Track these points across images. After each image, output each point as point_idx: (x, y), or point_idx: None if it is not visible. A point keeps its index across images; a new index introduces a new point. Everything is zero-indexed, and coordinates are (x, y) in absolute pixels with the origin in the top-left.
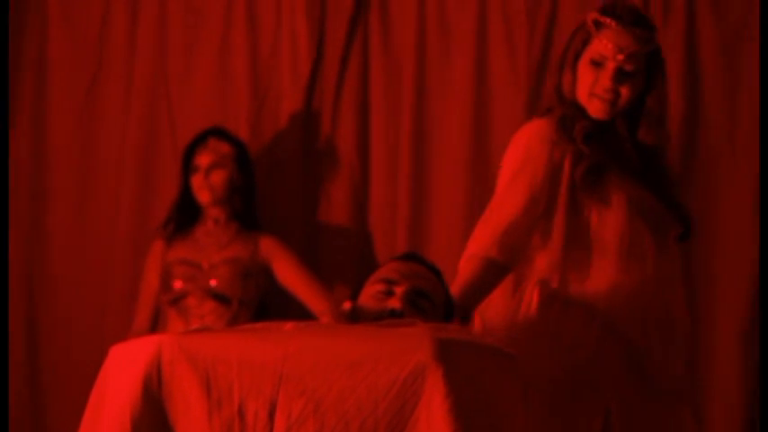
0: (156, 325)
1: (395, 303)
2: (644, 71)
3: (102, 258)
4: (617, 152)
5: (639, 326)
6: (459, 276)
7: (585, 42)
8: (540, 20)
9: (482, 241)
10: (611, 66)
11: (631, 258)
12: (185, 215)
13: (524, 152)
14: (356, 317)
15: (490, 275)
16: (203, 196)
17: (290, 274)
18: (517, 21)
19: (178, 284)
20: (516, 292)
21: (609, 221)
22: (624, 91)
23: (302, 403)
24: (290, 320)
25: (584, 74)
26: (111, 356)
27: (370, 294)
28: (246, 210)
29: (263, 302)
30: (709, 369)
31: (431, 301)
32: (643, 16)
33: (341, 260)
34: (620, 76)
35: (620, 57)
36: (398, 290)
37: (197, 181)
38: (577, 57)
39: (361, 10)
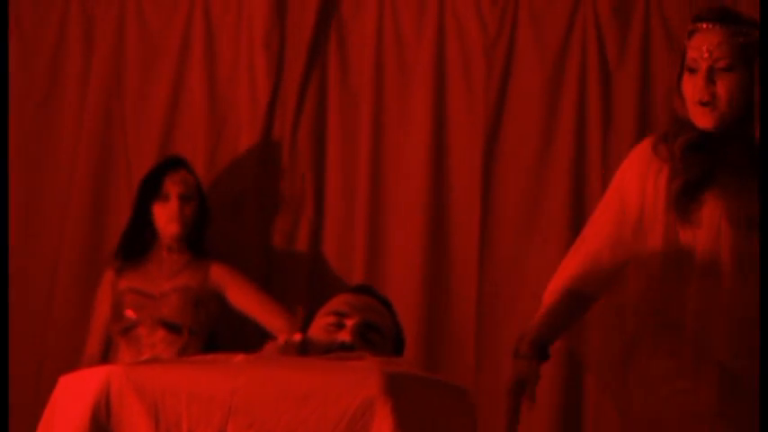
0: (107, 354)
1: (345, 336)
2: (744, 66)
3: (45, 283)
4: (724, 163)
5: (736, 349)
6: (543, 308)
7: (683, 57)
8: (497, 59)
9: (568, 273)
10: (702, 66)
11: (736, 277)
12: (138, 243)
13: (618, 178)
14: (306, 349)
15: (575, 307)
16: (173, 228)
17: (243, 297)
18: (475, 59)
19: (129, 314)
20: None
21: (700, 240)
22: (721, 90)
23: None
24: (240, 352)
25: (686, 86)
26: (60, 386)
27: (320, 326)
28: (199, 239)
29: (213, 331)
30: None
31: (381, 334)
32: (732, 12)
33: (295, 290)
34: (714, 74)
35: (707, 54)
36: (349, 323)
37: (167, 211)
38: (680, 76)
39: (319, 43)
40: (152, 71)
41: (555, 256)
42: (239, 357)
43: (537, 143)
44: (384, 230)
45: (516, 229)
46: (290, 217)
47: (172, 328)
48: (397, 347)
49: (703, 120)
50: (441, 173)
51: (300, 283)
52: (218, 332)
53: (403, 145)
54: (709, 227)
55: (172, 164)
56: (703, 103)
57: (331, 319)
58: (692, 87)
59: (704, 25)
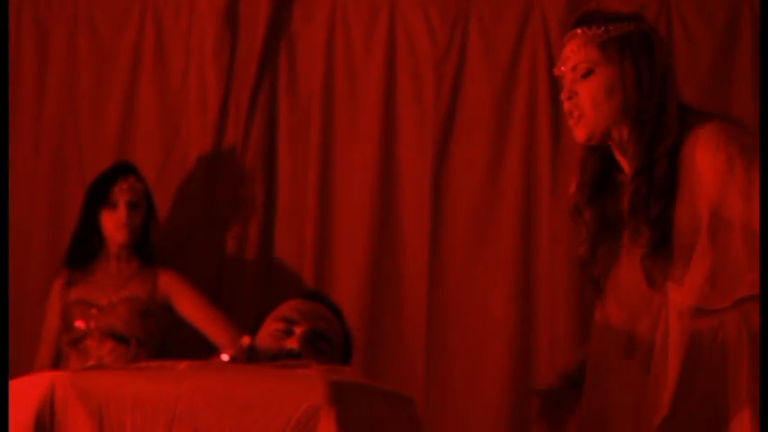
0: (57, 364)
1: (293, 344)
2: (610, 64)
3: (13, 294)
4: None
5: None
6: None
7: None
8: (447, 72)
9: None
10: (567, 78)
11: None
12: (86, 250)
13: None
14: (253, 354)
15: None
16: (120, 235)
17: (190, 308)
18: (425, 71)
19: (78, 324)
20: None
21: None
22: (583, 97)
23: None
24: (185, 359)
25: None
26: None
27: (268, 332)
28: (148, 246)
29: (163, 341)
30: None
31: (330, 342)
32: (589, 14)
33: (245, 296)
34: (575, 84)
35: (558, 69)
36: (298, 330)
37: (115, 218)
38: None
39: (269, 52)
40: (104, 79)
41: (504, 266)
42: (184, 365)
43: (486, 156)
44: (333, 239)
45: (466, 239)
46: (241, 224)
47: (120, 339)
48: (345, 356)
49: (575, 133)
50: (390, 184)
51: (250, 288)
52: (168, 342)
53: (352, 155)
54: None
55: (121, 170)
56: (570, 116)
57: (280, 326)
58: (563, 102)
59: (567, 36)
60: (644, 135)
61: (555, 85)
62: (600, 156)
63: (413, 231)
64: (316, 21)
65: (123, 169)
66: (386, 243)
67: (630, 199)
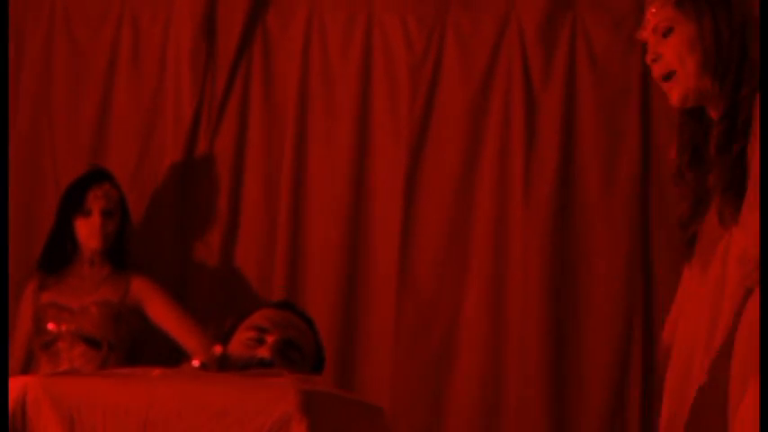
0: (28, 368)
1: (264, 353)
2: (688, 20)
3: None
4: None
5: None
6: None
7: None
8: (423, 79)
9: None
10: (650, 40)
11: None
12: (59, 255)
13: None
14: (225, 363)
15: None
16: (94, 242)
17: (162, 313)
18: (400, 78)
19: (50, 327)
20: None
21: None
22: (670, 55)
23: None
24: (158, 366)
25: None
26: None
27: (240, 341)
28: (121, 252)
29: (134, 345)
30: None
31: (301, 352)
32: None
33: (215, 305)
34: (658, 45)
35: (640, 34)
36: (269, 339)
37: (89, 225)
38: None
39: (245, 58)
40: (80, 84)
41: (477, 273)
42: (157, 371)
43: (460, 163)
44: (305, 246)
45: (438, 248)
46: (212, 231)
47: (91, 342)
48: (316, 365)
49: (671, 97)
50: (363, 190)
51: (220, 297)
52: (139, 347)
53: (326, 162)
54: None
55: (95, 177)
56: (663, 78)
57: (252, 334)
58: (653, 68)
59: (646, 2)
60: (726, 83)
61: (530, 93)
62: (697, 119)
63: (385, 239)
64: (292, 27)
65: (98, 176)
66: (358, 251)
67: (716, 141)
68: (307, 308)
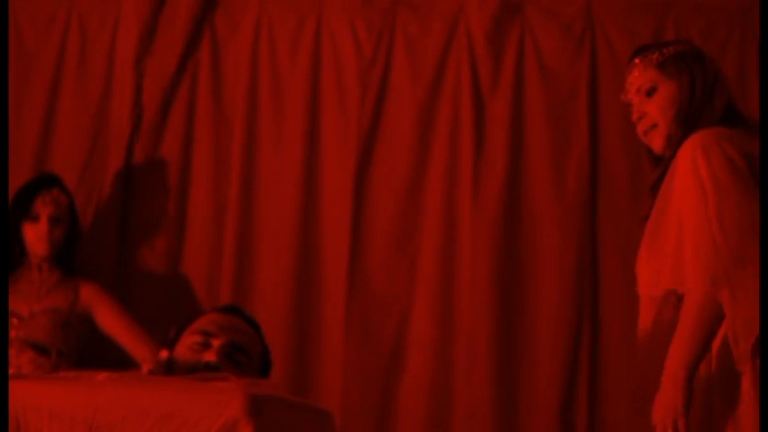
0: None
1: (210, 356)
2: (669, 80)
3: None
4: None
5: None
6: None
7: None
8: (371, 83)
9: None
10: (634, 101)
11: None
12: (8, 261)
13: None
14: (171, 367)
15: None
16: (41, 248)
17: (111, 321)
18: (349, 82)
19: None
20: None
21: None
22: (654, 111)
23: None
24: (104, 370)
25: (637, 129)
26: None
27: (186, 345)
28: (70, 258)
29: (83, 353)
30: None
31: (248, 355)
32: (643, 46)
33: (160, 310)
34: (643, 104)
35: (624, 96)
36: (215, 342)
37: (36, 231)
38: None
39: (191, 62)
40: (26, 86)
41: (425, 278)
42: (102, 375)
43: (409, 167)
44: (253, 252)
45: (386, 250)
46: (157, 236)
47: (40, 349)
48: (263, 369)
49: (654, 146)
50: (313, 192)
51: (166, 302)
52: (88, 354)
53: (276, 164)
54: None
55: (44, 182)
56: (646, 133)
57: (197, 338)
58: (637, 126)
59: (627, 69)
60: (692, 129)
61: (479, 97)
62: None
63: (333, 244)
64: (241, 30)
65: (47, 181)
66: (306, 256)
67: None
68: (256, 310)
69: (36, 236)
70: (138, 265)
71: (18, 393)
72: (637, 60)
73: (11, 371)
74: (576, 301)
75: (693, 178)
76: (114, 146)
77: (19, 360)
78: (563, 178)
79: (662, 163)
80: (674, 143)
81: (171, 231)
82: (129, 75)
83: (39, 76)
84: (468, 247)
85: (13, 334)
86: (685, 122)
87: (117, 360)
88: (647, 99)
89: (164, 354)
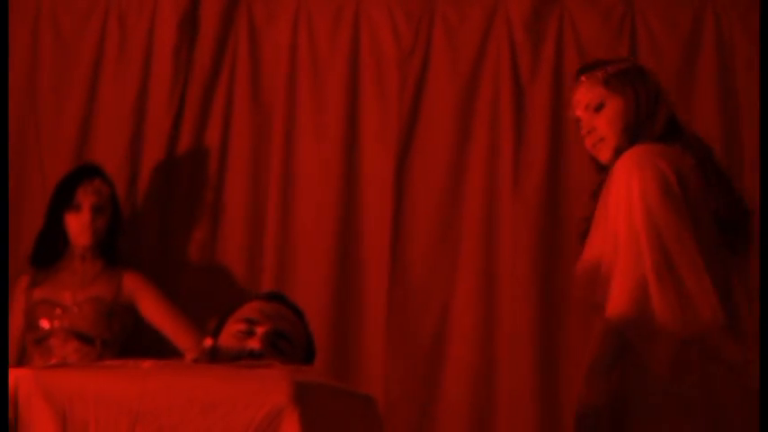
0: (20, 363)
1: (254, 344)
2: (615, 95)
3: None
4: None
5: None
6: None
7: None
8: (411, 72)
9: None
10: (583, 117)
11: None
12: (51, 251)
13: None
14: (215, 355)
15: None
16: (84, 239)
17: (154, 311)
18: (389, 71)
19: (42, 323)
20: None
21: None
22: (602, 125)
23: None
24: (149, 358)
25: (585, 143)
26: None
27: (230, 333)
28: (113, 247)
29: (128, 342)
30: None
31: (291, 343)
32: (593, 61)
33: (205, 301)
34: (593, 119)
35: (572, 112)
36: (259, 330)
37: (79, 221)
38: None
39: (230, 53)
40: (66, 79)
41: (466, 264)
42: (147, 363)
43: (449, 154)
44: (295, 240)
45: (427, 239)
46: (199, 225)
47: (84, 339)
48: (307, 356)
49: (602, 156)
50: (353, 183)
51: (209, 291)
52: (130, 344)
53: (315, 155)
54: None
55: (86, 172)
56: (594, 146)
57: (241, 326)
58: (585, 140)
59: (575, 86)
60: (635, 140)
61: (519, 84)
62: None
63: (374, 231)
64: (279, 20)
65: (88, 171)
66: (347, 243)
67: (599, 188)
68: (297, 299)
69: (79, 226)
70: (179, 255)
71: (64, 382)
72: (583, 78)
73: (55, 360)
74: None
75: (626, 194)
76: (154, 135)
77: (64, 350)
78: None
79: (603, 173)
80: (620, 153)
81: (210, 221)
82: (168, 64)
83: (78, 66)
84: (510, 234)
85: (57, 324)
86: (631, 135)
87: (160, 350)
88: (596, 114)
89: (208, 342)
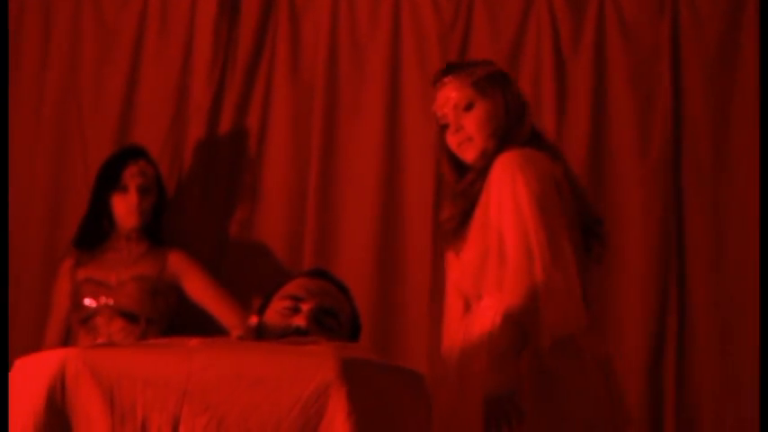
0: (66, 343)
1: (300, 321)
2: (483, 99)
3: (12, 276)
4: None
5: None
6: None
7: (437, 119)
8: (452, 47)
9: None
10: (450, 116)
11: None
12: (96, 232)
13: None
14: (261, 332)
15: None
16: (132, 220)
17: (199, 289)
18: (430, 47)
19: (87, 303)
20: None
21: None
22: (470, 125)
23: (206, 419)
24: (195, 336)
25: (449, 141)
26: (15, 369)
27: (276, 310)
28: (158, 228)
29: (172, 320)
30: None
31: (337, 319)
32: (456, 62)
33: (248, 279)
34: (461, 118)
35: (438, 110)
36: (305, 307)
37: (126, 203)
38: (441, 135)
39: (270, 31)
40: (107, 60)
41: None
42: (194, 341)
43: None
44: (337, 218)
45: None
46: (242, 203)
47: (129, 317)
48: (353, 333)
49: (467, 157)
50: (395, 161)
51: (252, 270)
52: (178, 321)
53: (357, 131)
54: None
55: (131, 154)
56: (460, 144)
57: (287, 303)
58: (450, 139)
59: (438, 84)
60: (503, 144)
61: (560, 58)
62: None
63: (417, 210)
64: None
65: (133, 152)
66: (390, 221)
67: (469, 186)
68: (340, 278)
69: (126, 207)
70: (221, 234)
71: (111, 362)
72: (449, 78)
73: (101, 339)
74: (663, 260)
75: (511, 194)
76: (195, 116)
77: (109, 328)
78: (647, 137)
79: (473, 173)
80: (488, 156)
81: (251, 199)
82: (209, 44)
83: (119, 47)
84: None
85: (102, 303)
86: (500, 139)
87: (205, 328)
88: (465, 113)
89: (253, 320)
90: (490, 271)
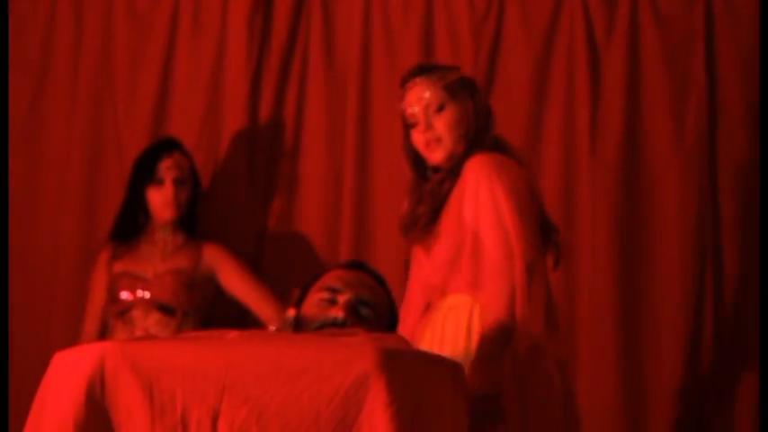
0: (103, 336)
1: (338, 312)
2: (453, 102)
3: (47, 270)
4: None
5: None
6: None
7: (403, 117)
8: (485, 39)
9: None
10: (420, 116)
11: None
12: (132, 225)
13: None
14: (299, 325)
15: None
16: (168, 213)
17: (235, 282)
18: (463, 38)
19: (124, 296)
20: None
21: None
22: (440, 127)
23: (245, 411)
24: (233, 329)
25: (415, 140)
26: (54, 363)
27: (313, 302)
28: (193, 220)
29: (208, 314)
30: None
31: (374, 310)
32: (427, 64)
33: (285, 271)
34: (431, 118)
35: (409, 109)
36: (342, 299)
37: (162, 196)
38: (406, 135)
39: (303, 22)
40: (141, 52)
41: None
42: (233, 334)
43: (525, 123)
44: (371, 209)
45: None
46: (279, 196)
47: (166, 310)
48: (390, 324)
49: (434, 157)
50: None
51: (289, 262)
52: (213, 314)
53: (390, 124)
54: None
55: (166, 146)
56: (428, 144)
57: (324, 295)
58: (418, 137)
59: (409, 84)
60: (472, 148)
61: (594, 50)
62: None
63: None
64: None
65: (168, 145)
66: None
67: (437, 185)
68: (376, 269)
69: (162, 200)
70: (257, 226)
71: (150, 355)
72: (419, 79)
73: (138, 333)
74: (699, 248)
75: (490, 195)
76: (230, 107)
77: (146, 322)
78: (682, 126)
79: (442, 172)
80: (456, 159)
81: (287, 190)
82: (243, 36)
83: (153, 39)
84: (588, 197)
85: (138, 296)
86: (468, 143)
87: (241, 321)
88: (436, 114)
89: (291, 312)
90: (463, 268)
